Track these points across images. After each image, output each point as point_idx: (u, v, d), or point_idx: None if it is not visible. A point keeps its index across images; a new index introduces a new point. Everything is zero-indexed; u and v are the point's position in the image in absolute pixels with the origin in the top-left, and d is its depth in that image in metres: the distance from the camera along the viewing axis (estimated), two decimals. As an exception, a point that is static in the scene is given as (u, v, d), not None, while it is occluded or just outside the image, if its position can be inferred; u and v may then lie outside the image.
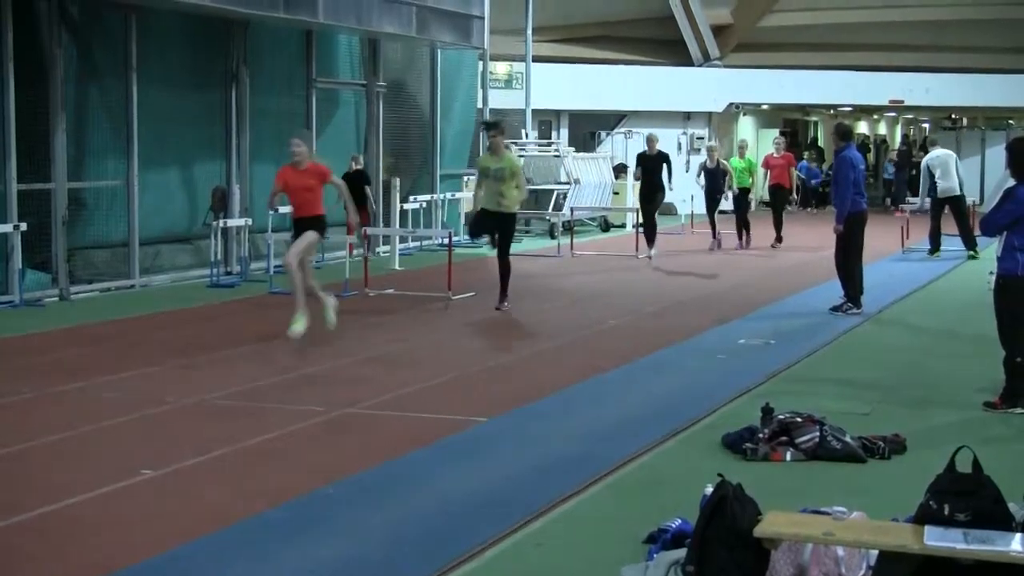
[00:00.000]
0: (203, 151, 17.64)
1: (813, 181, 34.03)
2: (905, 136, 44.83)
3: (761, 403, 8.00)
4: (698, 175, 22.80)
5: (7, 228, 14.05)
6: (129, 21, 15.73)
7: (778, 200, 23.14)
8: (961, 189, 20.69)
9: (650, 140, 20.53)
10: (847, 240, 13.78)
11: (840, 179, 13.78)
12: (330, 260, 19.10)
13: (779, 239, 22.56)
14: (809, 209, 34.43)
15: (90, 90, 15.88)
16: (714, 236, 21.90)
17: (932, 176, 20.69)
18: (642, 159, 20.39)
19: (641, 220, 20.54)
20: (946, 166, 20.65)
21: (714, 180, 22.06)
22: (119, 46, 15.82)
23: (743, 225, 22.43)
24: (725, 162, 22.61)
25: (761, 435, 7.65)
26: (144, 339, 12.26)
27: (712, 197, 22.22)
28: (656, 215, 20.52)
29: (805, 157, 36.35)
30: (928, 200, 21.02)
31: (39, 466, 7.44)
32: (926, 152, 37.33)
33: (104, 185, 15.98)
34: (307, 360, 10.94)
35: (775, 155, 23.37)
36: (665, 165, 20.23)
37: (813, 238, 22.57)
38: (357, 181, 20.81)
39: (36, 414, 8.79)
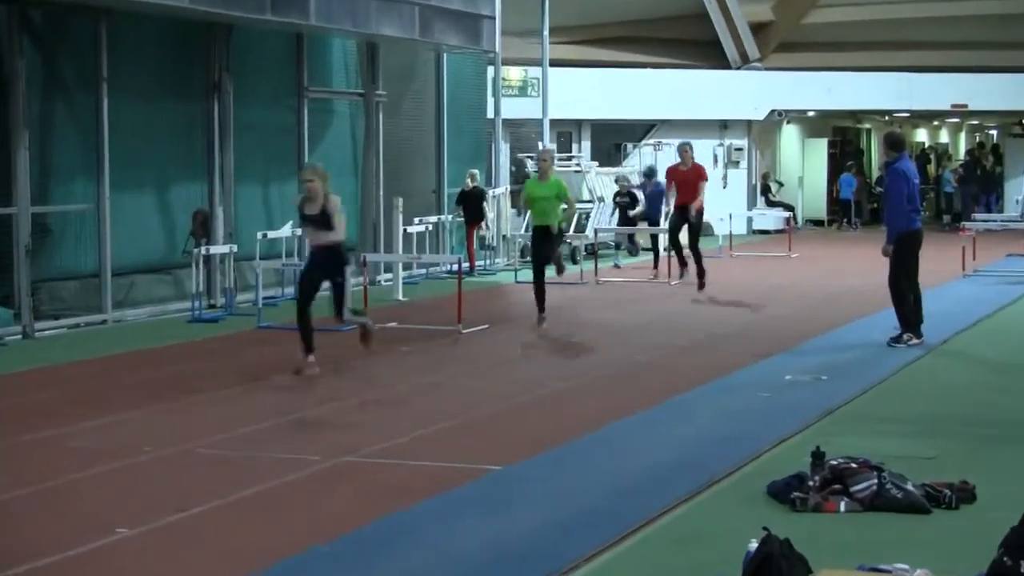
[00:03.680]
0: (182, 170, 17.72)
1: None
2: (981, 144, 44.42)
3: (811, 447, 7.98)
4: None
5: (-36, 259, 14.15)
6: (99, 27, 15.83)
7: (692, 224, 19.26)
8: None
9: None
10: (901, 263, 13.73)
11: (892, 194, 13.70)
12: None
13: (698, 273, 18.98)
14: (837, 227, 34.60)
15: (56, 104, 15.99)
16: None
17: None
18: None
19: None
20: None
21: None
22: (88, 55, 15.92)
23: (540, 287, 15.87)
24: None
25: (811, 483, 7.63)
26: (118, 381, 12.29)
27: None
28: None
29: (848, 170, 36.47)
30: None
31: (2, 525, 7.45)
32: (1000, 162, 37.37)
33: (72, 209, 16.05)
34: (301, 403, 10.95)
35: (683, 167, 19.43)
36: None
37: (861, 261, 22.47)
38: (475, 198, 20.85)
39: (-2, 466, 8.82)
